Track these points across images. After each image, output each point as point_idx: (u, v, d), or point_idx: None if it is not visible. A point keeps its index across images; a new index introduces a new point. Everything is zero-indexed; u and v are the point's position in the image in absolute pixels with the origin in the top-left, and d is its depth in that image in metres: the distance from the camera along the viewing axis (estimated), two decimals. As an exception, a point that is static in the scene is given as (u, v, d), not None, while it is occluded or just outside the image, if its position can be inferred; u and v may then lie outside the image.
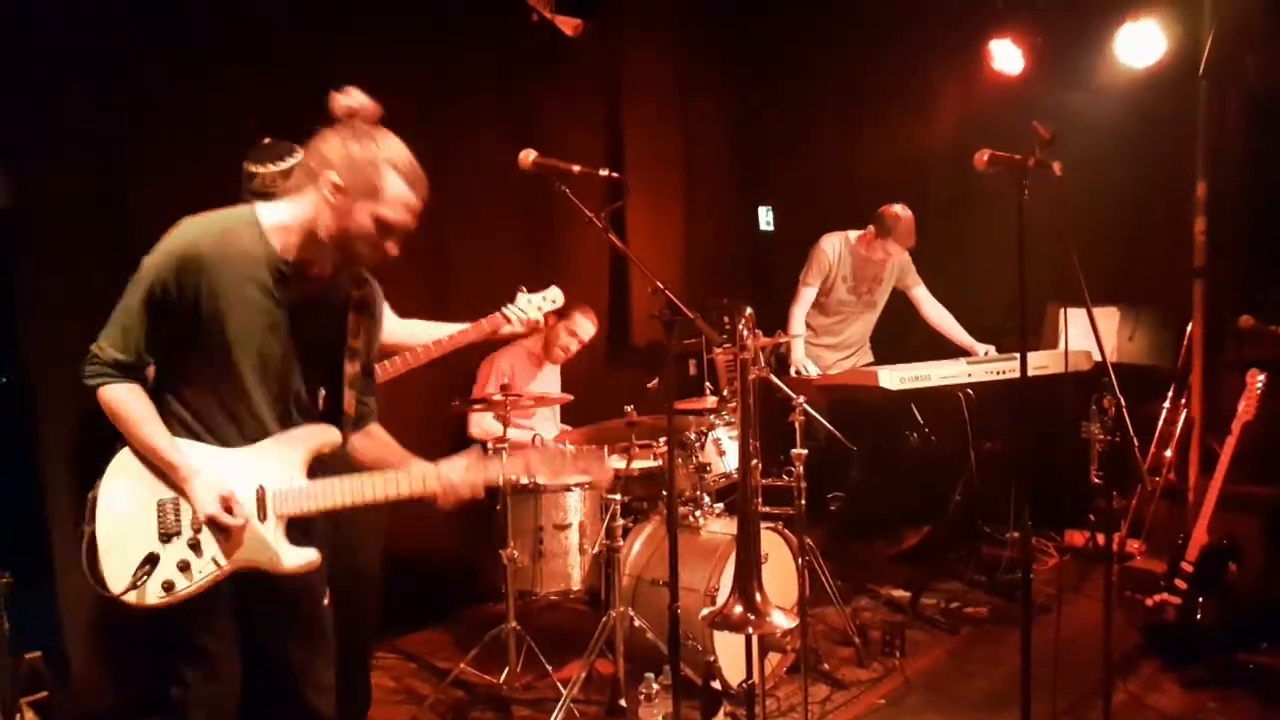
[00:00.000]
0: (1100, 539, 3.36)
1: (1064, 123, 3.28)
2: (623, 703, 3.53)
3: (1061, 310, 5.26)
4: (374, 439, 2.42)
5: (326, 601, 2.36)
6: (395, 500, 2.26)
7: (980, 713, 3.60)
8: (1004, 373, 4.67)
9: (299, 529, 2.23)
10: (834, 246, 5.25)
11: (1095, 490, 3.34)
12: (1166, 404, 4.87)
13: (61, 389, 3.53)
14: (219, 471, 2.15)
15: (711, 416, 4.17)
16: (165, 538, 2.14)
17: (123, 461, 2.17)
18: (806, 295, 5.26)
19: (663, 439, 3.92)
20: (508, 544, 3.70)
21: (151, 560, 2.11)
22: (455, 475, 2.28)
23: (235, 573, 2.17)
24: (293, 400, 2.23)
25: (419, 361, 3.26)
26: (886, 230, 5.04)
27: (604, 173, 2.74)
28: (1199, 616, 3.77)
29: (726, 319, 2.90)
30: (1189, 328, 4.80)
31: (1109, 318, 5.40)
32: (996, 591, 4.73)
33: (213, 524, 2.13)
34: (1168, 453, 4.76)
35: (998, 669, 3.93)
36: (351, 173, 2.08)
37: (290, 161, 2.97)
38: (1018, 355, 2.97)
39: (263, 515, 2.17)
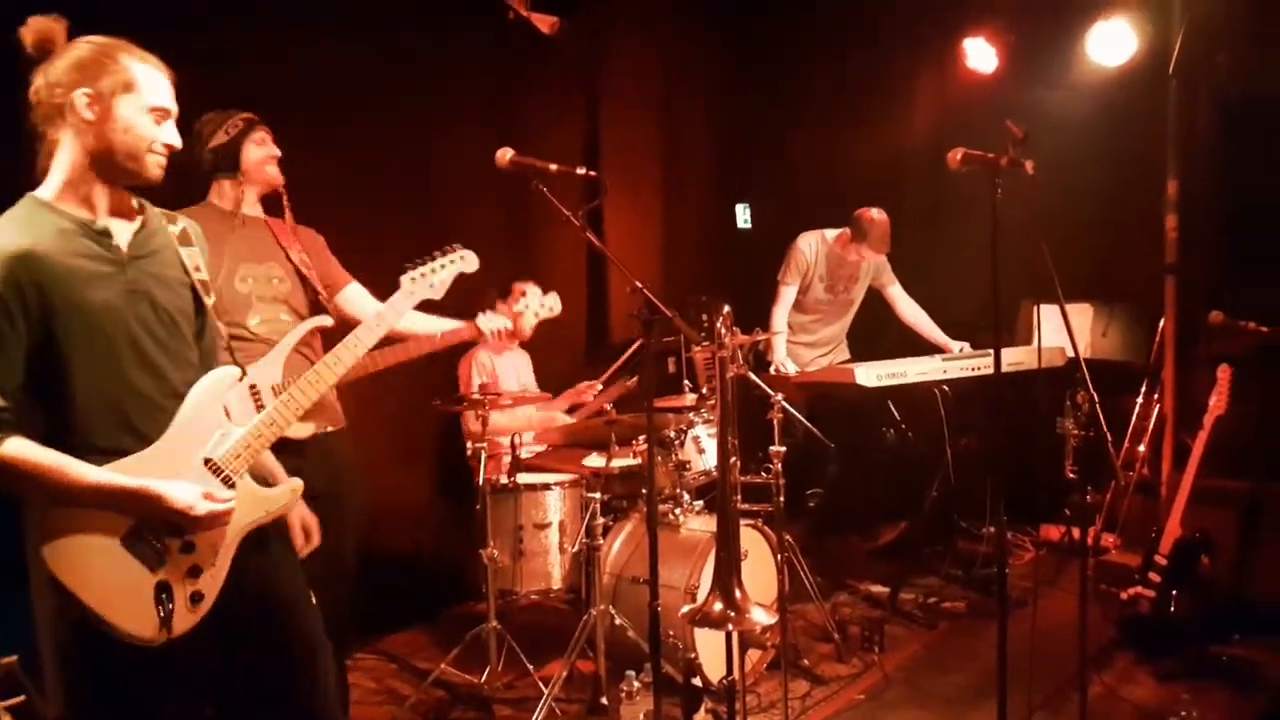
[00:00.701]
0: (1075, 533, 3.39)
1: (1037, 121, 3.31)
2: (604, 701, 3.54)
3: (1035, 307, 5.33)
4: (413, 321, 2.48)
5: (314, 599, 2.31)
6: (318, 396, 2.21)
7: (958, 706, 3.63)
8: (979, 369, 4.71)
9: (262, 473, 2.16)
10: (811, 245, 5.28)
11: (1070, 485, 3.39)
12: (1140, 399, 4.92)
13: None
14: (160, 470, 1.96)
15: (690, 414, 4.18)
16: (156, 562, 1.96)
17: (54, 527, 1.89)
18: (786, 294, 5.28)
19: (642, 437, 3.93)
20: (488, 543, 3.70)
21: (164, 589, 1.95)
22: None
23: (241, 544, 2.07)
24: (189, 353, 2.11)
25: (410, 356, 3.23)
26: (862, 235, 5.08)
27: (581, 171, 2.74)
28: (1172, 609, 3.82)
29: (705, 317, 2.91)
30: (1161, 324, 4.85)
31: (1083, 314, 5.45)
32: (973, 586, 4.77)
33: (208, 524, 1.99)
34: (1141, 448, 4.81)
35: (975, 663, 3.96)
36: (99, 78, 1.92)
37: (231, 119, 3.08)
38: (992, 352, 2.99)
39: (229, 482, 2.06)
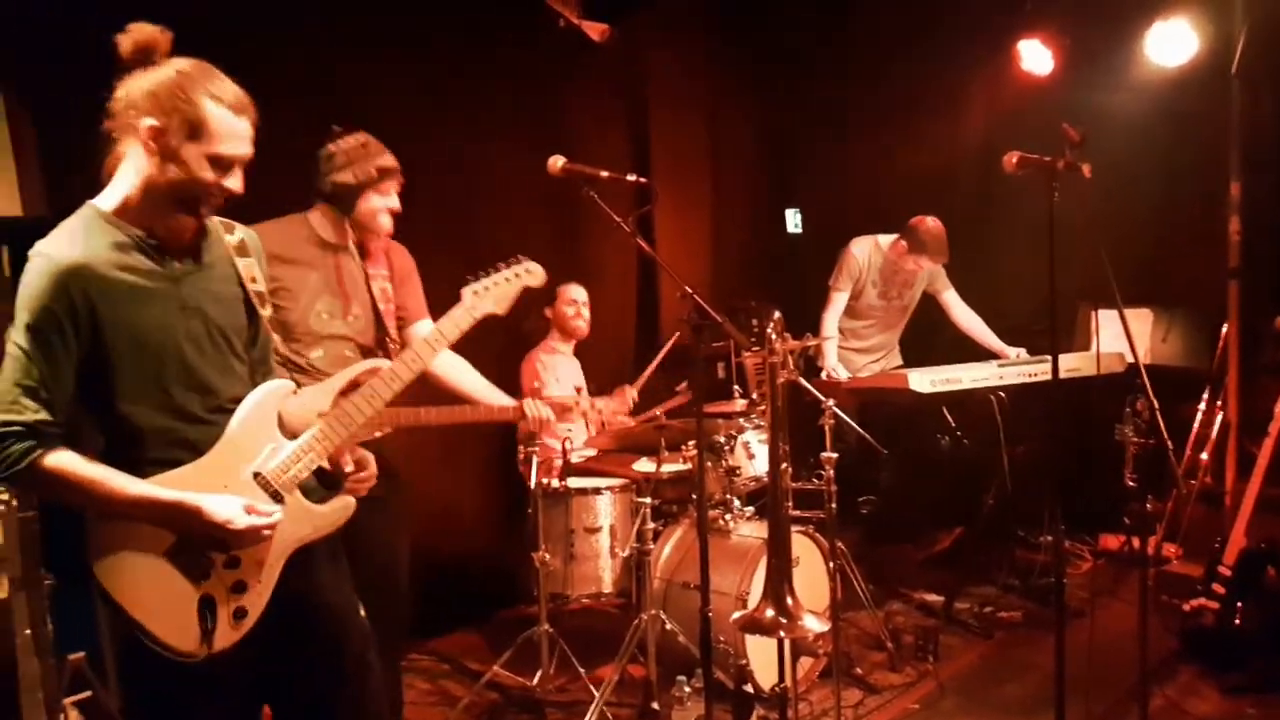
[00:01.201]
0: (1135, 543, 3.32)
1: (1095, 123, 3.26)
2: (655, 705, 3.54)
3: (1093, 312, 5.23)
4: (452, 366, 2.43)
5: (363, 611, 2.29)
6: (377, 414, 2.18)
7: (1014, 717, 3.58)
8: (1036, 375, 4.64)
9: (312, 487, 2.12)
10: (864, 251, 5.24)
11: (1129, 493, 3.32)
12: (1202, 406, 4.82)
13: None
14: (208, 484, 1.95)
15: (741, 420, 4.17)
16: (200, 575, 1.95)
17: (98, 550, 1.92)
18: (838, 300, 5.25)
19: (692, 442, 3.93)
20: (539, 547, 3.72)
21: (208, 603, 1.94)
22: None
23: (288, 561, 2.04)
24: (240, 367, 2.09)
25: (442, 422, 3.16)
26: (920, 246, 5.01)
27: (631, 178, 2.76)
28: (1238, 621, 3.73)
29: (755, 322, 2.91)
30: (1224, 329, 4.74)
31: (1142, 319, 5.35)
32: (1030, 596, 4.70)
33: (251, 538, 1.96)
34: (1204, 456, 4.71)
35: (1031, 674, 3.90)
36: (167, 112, 1.87)
37: (363, 137, 3.05)
38: (1049, 357, 2.95)
39: (277, 497, 2.03)
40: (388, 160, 3.07)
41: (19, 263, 3.48)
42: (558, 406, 3.37)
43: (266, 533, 1.97)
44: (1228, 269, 4.72)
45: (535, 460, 3.81)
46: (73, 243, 1.90)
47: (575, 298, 4.69)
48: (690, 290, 2.61)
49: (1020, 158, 2.75)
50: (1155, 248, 5.29)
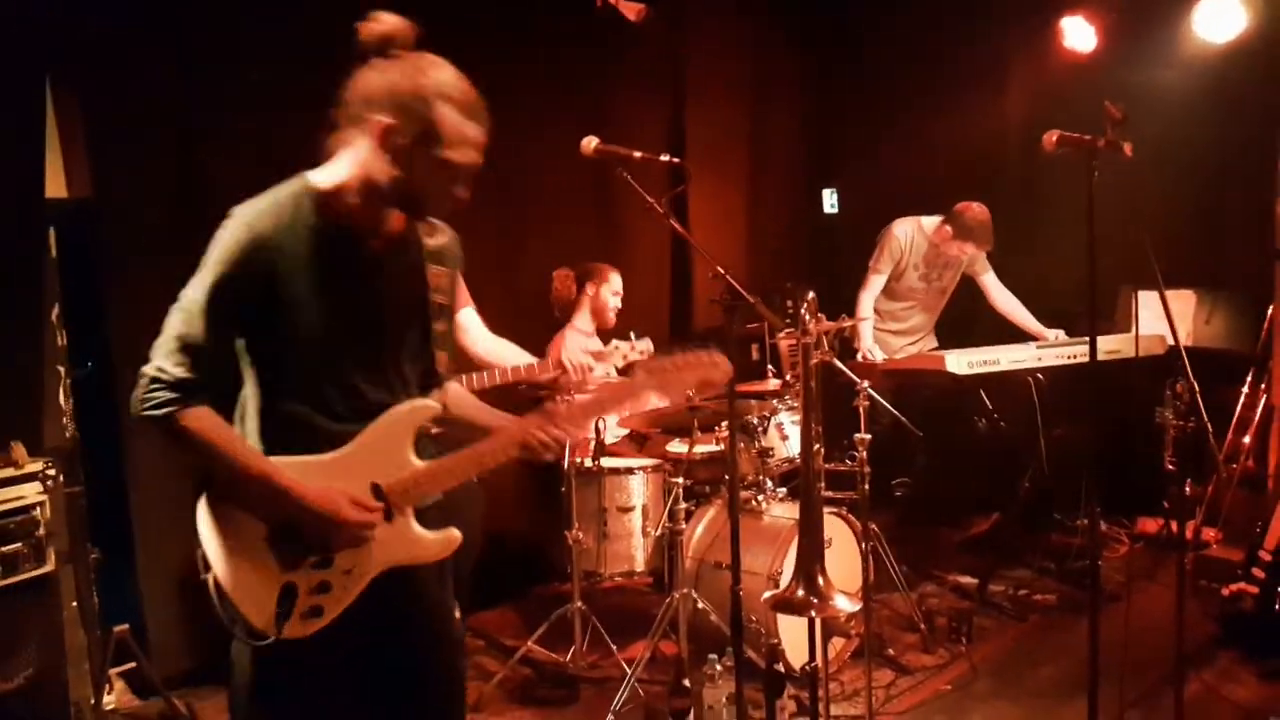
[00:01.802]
0: (1174, 527, 3.29)
1: (1138, 101, 3.21)
2: (686, 683, 3.56)
3: (1134, 293, 5.16)
4: (457, 396, 2.23)
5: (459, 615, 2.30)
6: (509, 462, 2.08)
7: (1048, 700, 3.56)
8: (1074, 357, 4.59)
9: (427, 511, 2.06)
10: (907, 233, 5.18)
11: (1169, 477, 3.28)
12: (1245, 389, 4.74)
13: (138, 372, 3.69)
14: (329, 480, 1.92)
15: (774, 401, 4.17)
16: (291, 564, 1.92)
17: (211, 504, 1.94)
18: (875, 282, 5.21)
19: (725, 424, 3.94)
20: (573, 525, 3.75)
21: (290, 591, 1.91)
22: (563, 412, 2.09)
23: (377, 579, 1.99)
24: (395, 375, 2.03)
25: (491, 384, 3.36)
26: (967, 233, 4.95)
27: (665, 158, 2.76)
28: (1278, 607, 3.68)
29: (790, 303, 2.90)
30: (1270, 311, 4.65)
31: (1185, 301, 5.27)
32: (1066, 579, 4.66)
33: (348, 536, 1.92)
34: (1246, 439, 4.63)
35: (1066, 657, 3.87)
36: (401, 113, 1.82)
37: None
38: (1088, 339, 2.92)
39: (388, 514, 1.97)
40: None
41: (64, 242, 3.57)
42: (596, 354, 3.49)
43: (366, 534, 1.93)
44: (1274, 250, 4.62)
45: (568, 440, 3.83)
46: (275, 216, 1.87)
47: (620, 288, 4.64)
48: (723, 270, 2.60)
49: (1060, 136, 2.72)
50: (1200, 229, 5.20)
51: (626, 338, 3.89)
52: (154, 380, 1.84)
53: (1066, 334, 5.00)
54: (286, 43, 3.91)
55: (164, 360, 1.85)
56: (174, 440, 1.86)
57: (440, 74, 1.88)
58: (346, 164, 1.91)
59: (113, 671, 3.59)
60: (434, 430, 2.11)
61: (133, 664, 3.56)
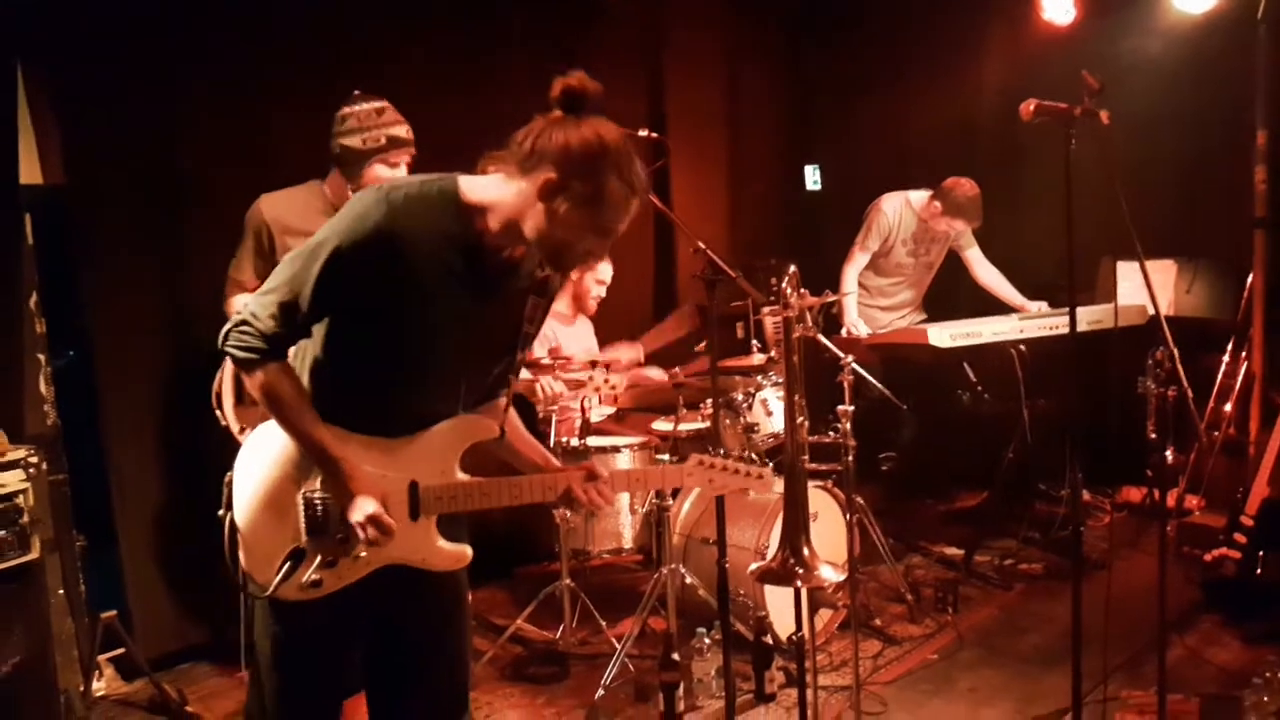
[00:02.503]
0: (1156, 495, 3.32)
1: (1117, 73, 3.21)
2: (675, 657, 3.58)
3: (1115, 264, 5.18)
4: (514, 424, 2.21)
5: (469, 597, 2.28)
6: (542, 502, 2.14)
7: (1033, 667, 3.60)
8: (1057, 328, 4.62)
9: (449, 521, 2.09)
10: (895, 209, 5.18)
11: (1151, 446, 3.31)
12: (1226, 358, 4.77)
13: (120, 360, 3.67)
14: (374, 466, 1.96)
15: (759, 377, 4.17)
16: (313, 531, 1.96)
17: (262, 443, 1.99)
18: (860, 258, 5.23)
19: (710, 400, 3.95)
20: (560, 504, 3.75)
21: (296, 556, 1.96)
22: (609, 478, 2.14)
23: (382, 569, 2.02)
24: (466, 389, 2.07)
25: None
26: (957, 210, 4.97)
27: (644, 134, 2.76)
28: (1259, 571, 3.72)
29: (774, 280, 2.90)
30: (1249, 279, 4.68)
31: (1166, 271, 5.29)
32: (1050, 549, 4.71)
33: (359, 534, 1.93)
34: (1227, 407, 4.67)
35: (1051, 625, 3.92)
36: (573, 175, 1.83)
37: (381, 103, 3.03)
38: (1069, 311, 2.93)
39: (414, 513, 2.00)
40: (400, 131, 3.04)
41: (41, 230, 3.54)
42: (572, 384, 3.55)
43: (375, 539, 1.94)
44: (1253, 219, 4.64)
45: (555, 419, 3.84)
46: (416, 211, 1.87)
47: (606, 277, 4.62)
48: (704, 246, 2.61)
49: (1037, 105, 2.72)
50: (1179, 198, 5.21)
51: (603, 366, 3.88)
52: (245, 324, 1.88)
53: (1048, 305, 5.02)
54: (264, 31, 3.88)
55: (262, 310, 1.88)
56: (253, 388, 1.91)
57: (617, 146, 1.87)
58: (499, 189, 1.91)
59: (101, 657, 3.59)
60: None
61: (121, 649, 3.56)
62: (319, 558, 1.97)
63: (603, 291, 4.63)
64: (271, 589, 1.94)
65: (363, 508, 1.91)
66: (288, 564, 1.95)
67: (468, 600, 2.28)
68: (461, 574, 2.20)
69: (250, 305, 1.89)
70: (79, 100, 3.57)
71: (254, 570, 1.97)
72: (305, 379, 1.97)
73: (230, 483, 1.99)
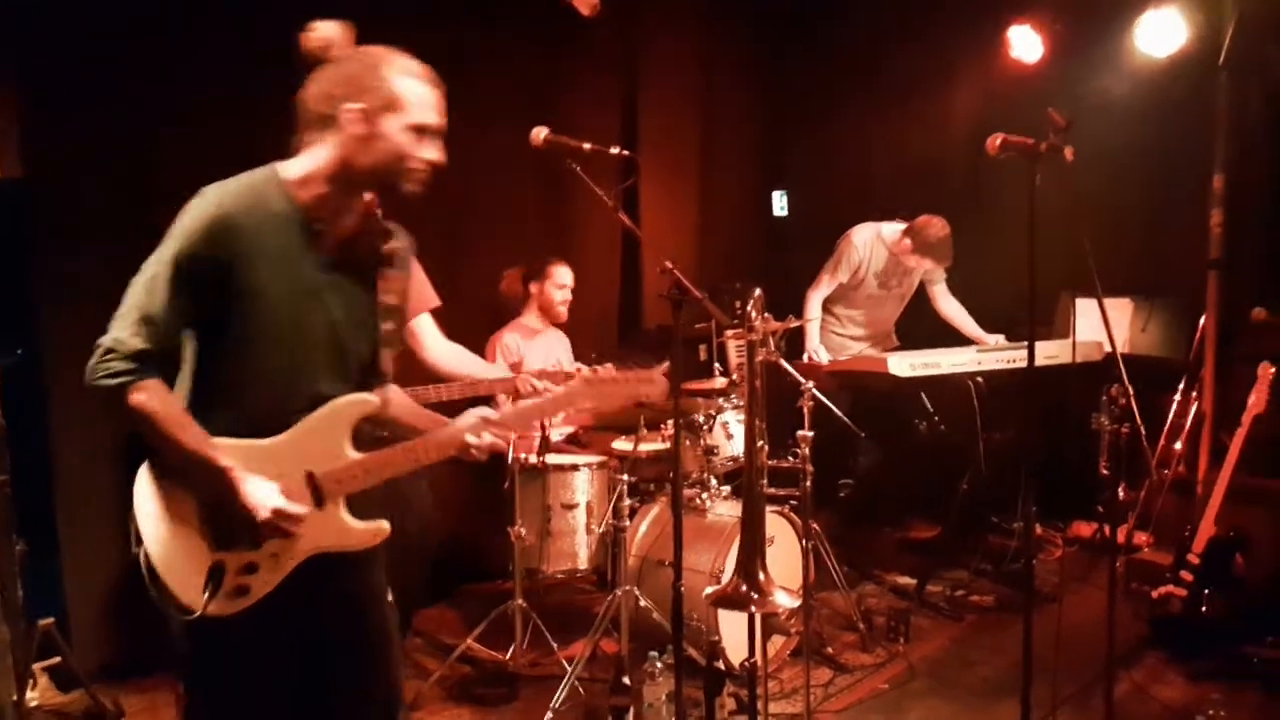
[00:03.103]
0: (1107, 530, 3.36)
1: (1083, 112, 3.25)
2: (626, 681, 3.55)
3: (1073, 300, 5.25)
4: (398, 398, 2.27)
5: (391, 598, 2.27)
6: (441, 461, 2.13)
7: (982, 699, 3.61)
8: (1014, 361, 4.66)
9: (361, 501, 2.09)
10: (866, 241, 5.20)
11: (1103, 481, 3.34)
12: (1178, 396, 4.85)
13: (70, 360, 3.56)
14: (265, 466, 1.96)
15: (720, 400, 4.17)
16: (222, 544, 1.97)
17: (152, 475, 1.99)
18: (826, 286, 5.26)
19: (670, 421, 3.94)
20: (515, 522, 3.72)
21: (218, 570, 1.96)
22: (500, 419, 2.14)
23: (305, 562, 2.03)
24: (339, 368, 2.08)
25: (449, 396, 3.33)
26: (927, 249, 5.00)
27: (615, 151, 2.74)
28: (1204, 608, 3.77)
29: (738, 304, 2.90)
30: (1202, 320, 4.77)
31: (1122, 309, 5.38)
32: (1002, 581, 4.74)
33: (272, 528, 1.95)
34: (1178, 445, 4.74)
35: (1001, 657, 3.93)
36: (365, 93, 1.94)
37: None
38: (1027, 344, 2.96)
39: (319, 501, 2.02)
40: None
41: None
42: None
43: (289, 528, 1.96)
44: (1208, 260, 4.73)
45: (513, 435, 3.79)
46: (242, 199, 1.94)
47: (566, 281, 4.62)
48: (670, 265, 2.60)
49: (1004, 140, 2.75)
50: (1138, 238, 5.31)
51: (590, 361, 3.84)
52: (109, 351, 1.88)
53: (1006, 338, 5.07)
54: (231, 25, 3.83)
55: (121, 331, 1.89)
56: (127, 412, 1.89)
57: (390, 54, 2.02)
58: (315, 157, 2.00)
59: (37, 666, 3.49)
60: (380, 433, 2.17)
61: (57, 658, 3.46)
62: (238, 566, 1.98)
63: (568, 295, 4.62)
64: (201, 608, 1.94)
65: (264, 503, 1.93)
66: (211, 581, 1.95)
67: (387, 597, 2.27)
68: (379, 575, 2.22)
69: (110, 331, 1.90)
70: (40, 93, 3.50)
71: (182, 595, 1.95)
72: (185, 403, 1.97)
73: (134, 518, 1.98)
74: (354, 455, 2.06)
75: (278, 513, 1.93)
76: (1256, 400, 3.86)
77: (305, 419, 2.02)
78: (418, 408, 2.28)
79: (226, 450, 1.93)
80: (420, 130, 2.00)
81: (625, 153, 2.78)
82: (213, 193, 1.94)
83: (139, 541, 1.96)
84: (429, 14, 4.55)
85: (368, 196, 2.07)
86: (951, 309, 5.33)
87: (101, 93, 3.60)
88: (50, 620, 3.34)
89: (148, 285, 1.90)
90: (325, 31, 2.00)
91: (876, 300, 5.32)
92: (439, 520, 3.87)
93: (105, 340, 1.89)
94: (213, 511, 1.96)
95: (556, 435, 4.41)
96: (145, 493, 1.98)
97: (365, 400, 2.09)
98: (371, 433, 2.16)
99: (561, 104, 5.22)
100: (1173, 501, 4.55)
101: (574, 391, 2.26)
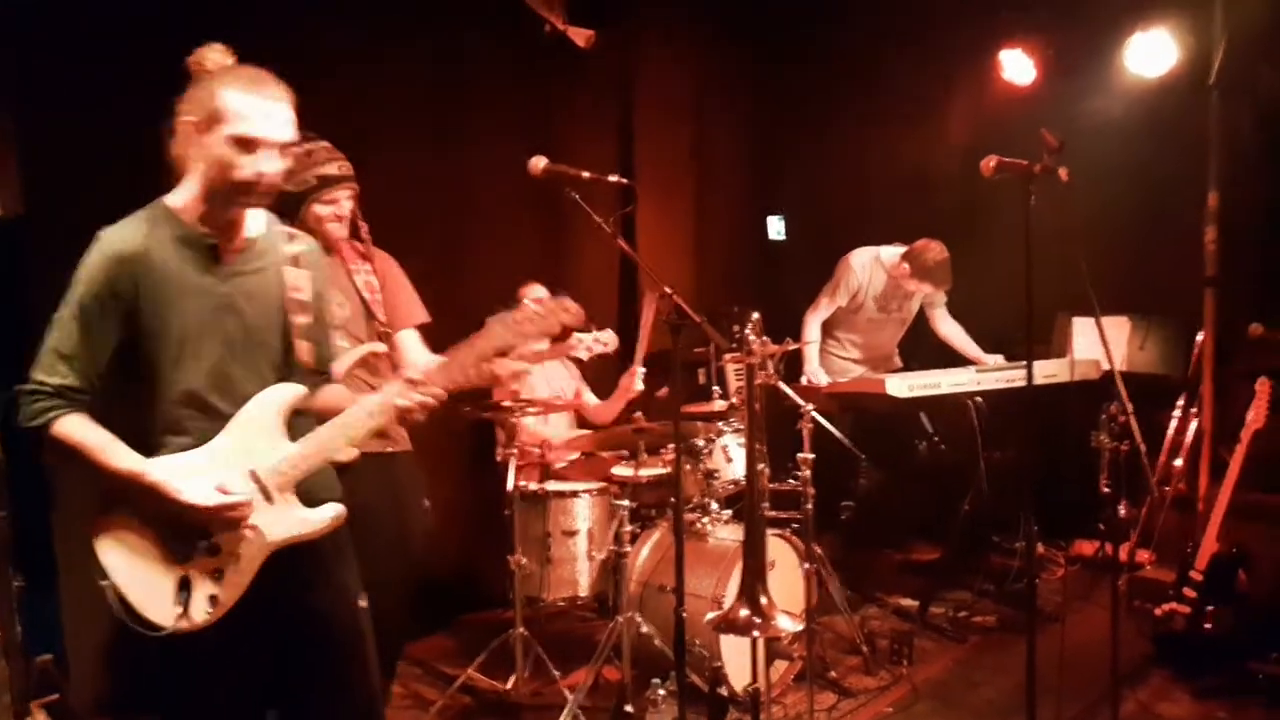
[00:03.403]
0: (1109, 549, 3.36)
1: (1075, 133, 3.28)
2: (629, 709, 3.53)
3: (1070, 319, 5.27)
4: (332, 391, 2.32)
5: (364, 603, 2.30)
6: (377, 428, 2.14)
7: (988, 720, 3.59)
8: (1013, 381, 4.66)
9: (309, 492, 2.15)
10: (864, 267, 5.20)
11: (1104, 500, 3.34)
12: (1177, 413, 4.85)
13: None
14: (205, 473, 2.04)
15: (720, 423, 4.17)
16: (183, 557, 2.04)
17: (103, 507, 2.07)
18: (825, 310, 5.26)
19: (671, 445, 3.93)
20: (515, 550, 3.71)
21: (185, 584, 2.03)
22: (424, 376, 2.16)
23: (270, 559, 2.08)
24: (264, 369, 2.16)
25: None
26: (925, 274, 5.00)
27: (613, 178, 2.77)
28: (1208, 625, 3.75)
29: (736, 327, 2.92)
30: (1200, 337, 4.78)
31: (1119, 327, 5.39)
32: (1005, 601, 4.72)
33: (222, 520, 2.03)
34: (1178, 462, 4.74)
35: (1005, 677, 3.91)
36: (197, 110, 2.02)
37: (314, 145, 3.05)
38: (1025, 364, 2.97)
39: (268, 496, 2.09)
40: (331, 169, 3.02)
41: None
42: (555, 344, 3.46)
43: (237, 515, 2.03)
44: (1204, 278, 4.75)
45: (514, 462, 3.80)
46: (134, 232, 2.05)
47: (541, 298, 4.62)
48: (669, 290, 2.61)
49: (998, 162, 2.78)
50: (1134, 256, 5.32)
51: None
52: (32, 392, 2.00)
53: (1005, 359, 5.08)
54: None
55: (39, 372, 2.01)
56: (54, 447, 2.00)
57: (238, 70, 2.07)
58: (191, 179, 2.10)
59: (35, 703, 3.46)
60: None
61: (55, 695, 3.44)
62: (203, 575, 2.04)
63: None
64: (174, 623, 2.00)
65: (204, 499, 2.00)
66: (180, 596, 2.02)
67: (360, 600, 2.30)
68: (349, 576, 2.27)
69: (32, 376, 2.00)
70: (41, 133, 3.51)
71: (154, 616, 2.02)
72: (129, 421, 2.05)
73: (94, 552, 2.05)
74: (290, 445, 2.12)
75: (221, 505, 2.00)
76: (1255, 416, 3.86)
77: (235, 421, 2.09)
78: (353, 396, 2.28)
79: (166, 466, 2.01)
80: (243, 142, 2.01)
81: (624, 180, 2.80)
82: (107, 235, 2.05)
83: (104, 575, 2.03)
84: (426, 47, 4.61)
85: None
86: (951, 330, 5.34)
87: (104, 131, 3.62)
88: (48, 656, 3.32)
89: (61, 327, 2.02)
90: (201, 54, 2.09)
91: (876, 324, 5.33)
92: (436, 543, 3.84)
93: (26, 385, 2.00)
94: (166, 529, 2.03)
95: (562, 463, 4.41)
96: (100, 532, 2.05)
97: (288, 389, 2.16)
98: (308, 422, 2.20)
99: (558, 132, 5.26)
100: (1174, 518, 4.54)
101: (491, 334, 2.27)
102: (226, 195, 2.06)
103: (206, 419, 2.08)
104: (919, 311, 5.42)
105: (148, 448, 2.03)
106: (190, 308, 2.06)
